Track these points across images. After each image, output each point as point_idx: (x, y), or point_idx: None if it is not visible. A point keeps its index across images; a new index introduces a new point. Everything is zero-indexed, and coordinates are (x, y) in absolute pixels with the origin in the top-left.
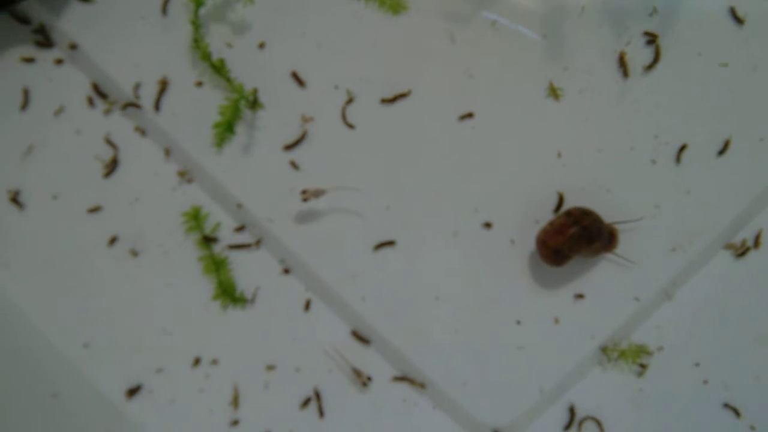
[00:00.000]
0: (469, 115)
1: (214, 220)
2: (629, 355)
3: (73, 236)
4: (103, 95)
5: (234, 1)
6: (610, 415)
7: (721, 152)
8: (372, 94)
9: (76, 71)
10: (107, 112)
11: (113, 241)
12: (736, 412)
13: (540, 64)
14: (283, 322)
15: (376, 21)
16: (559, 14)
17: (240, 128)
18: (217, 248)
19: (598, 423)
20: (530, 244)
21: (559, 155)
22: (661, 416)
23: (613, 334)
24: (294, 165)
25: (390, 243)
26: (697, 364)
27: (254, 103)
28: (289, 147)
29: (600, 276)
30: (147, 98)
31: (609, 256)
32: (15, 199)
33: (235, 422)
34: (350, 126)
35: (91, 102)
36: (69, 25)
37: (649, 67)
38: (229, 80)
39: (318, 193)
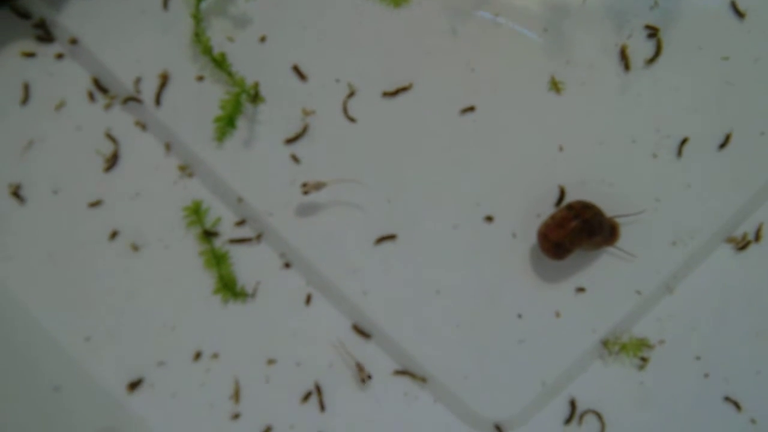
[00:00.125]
0: (471, 109)
1: (214, 214)
2: (630, 349)
3: (74, 230)
4: (103, 90)
5: None
6: (611, 409)
7: (723, 146)
8: (373, 88)
9: (76, 66)
10: (108, 106)
11: (114, 235)
12: (737, 406)
13: (541, 58)
14: (283, 316)
15: (377, 14)
16: (561, 8)
17: (241, 122)
18: (218, 242)
19: (599, 416)
20: (531, 238)
21: (561, 149)
22: (662, 410)
23: (614, 328)
24: (295, 159)
25: (391, 237)
26: (698, 358)
27: (255, 97)
28: (291, 141)
29: (601, 269)
30: (148, 93)
31: (610, 249)
32: (16, 194)
33: (236, 416)
34: (352, 119)
35: (91, 96)
36: (69, 19)
37: (651, 60)
38: (230, 74)
39: (318, 186)
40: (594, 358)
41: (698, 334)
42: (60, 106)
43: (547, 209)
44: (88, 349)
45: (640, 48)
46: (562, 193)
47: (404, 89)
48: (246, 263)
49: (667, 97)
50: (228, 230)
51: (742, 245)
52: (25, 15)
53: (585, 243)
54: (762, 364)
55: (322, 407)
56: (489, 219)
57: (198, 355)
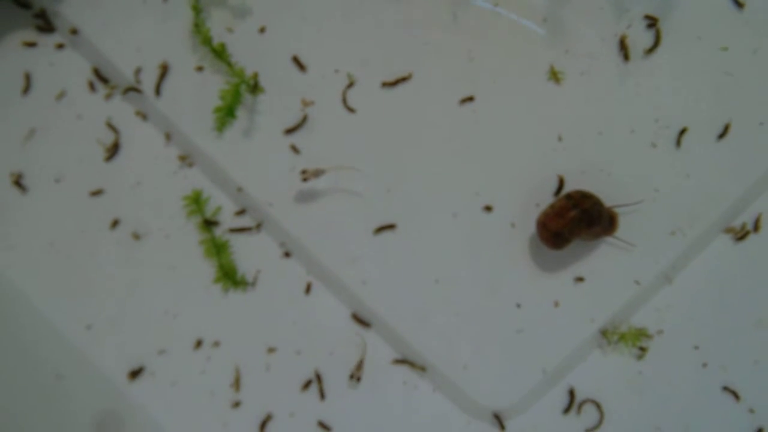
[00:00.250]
0: (470, 99)
1: (214, 203)
2: (629, 338)
3: (76, 219)
4: (104, 80)
5: None
6: (609, 398)
7: (722, 136)
8: (373, 78)
9: (77, 56)
10: (108, 96)
11: (115, 224)
12: (735, 395)
13: (541, 48)
14: (283, 305)
15: (376, 4)
16: None
17: (241, 112)
18: (218, 232)
19: (598, 406)
20: (530, 227)
21: (560, 138)
22: (661, 399)
23: (612, 317)
24: (294, 149)
25: (390, 226)
26: (697, 348)
27: (255, 88)
28: (290, 131)
29: (600, 259)
30: (148, 83)
31: (609, 239)
32: (18, 183)
33: (237, 404)
34: (351, 110)
35: (92, 86)
36: (70, 9)
37: (650, 50)
38: (229, 65)
39: (318, 173)
40: (593, 348)
41: (697, 324)
42: (61, 95)
43: (546, 199)
44: (89, 338)
45: (640, 38)
46: (561, 183)
47: (404, 79)
48: (246, 252)
49: (666, 87)
50: (228, 219)
51: (741, 235)
52: (25, 5)
53: (584, 233)
54: (760, 353)
55: (323, 395)
56: (488, 208)
57: (199, 344)
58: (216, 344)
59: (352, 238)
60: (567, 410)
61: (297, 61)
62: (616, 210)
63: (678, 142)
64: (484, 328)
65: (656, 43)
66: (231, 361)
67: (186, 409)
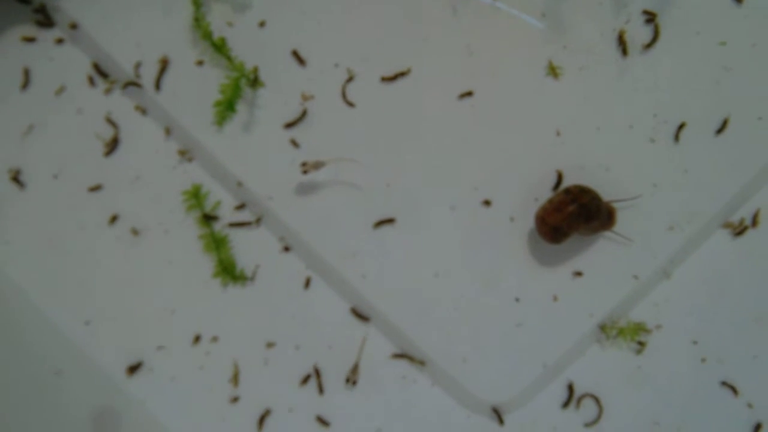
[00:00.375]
0: (469, 94)
1: (214, 198)
2: (627, 333)
3: (74, 215)
4: (103, 74)
5: None
6: (608, 393)
7: (720, 131)
8: (372, 73)
9: (76, 51)
10: (108, 91)
11: (114, 219)
12: (734, 390)
13: (539, 43)
14: (283, 299)
15: None
16: None
17: (240, 107)
18: (218, 226)
19: (597, 400)
20: (529, 222)
21: (558, 133)
22: (659, 394)
23: (611, 312)
24: (294, 143)
25: (390, 221)
26: (695, 342)
27: (255, 82)
28: (290, 125)
29: (598, 254)
30: (148, 77)
31: (607, 234)
32: (16, 178)
33: (235, 399)
34: (350, 104)
35: (91, 81)
36: (69, 4)
37: (648, 45)
38: (229, 59)
39: (318, 165)
40: (591, 342)
41: (695, 319)
42: (60, 90)
43: (544, 193)
44: (87, 333)
45: (638, 33)
46: (559, 178)
47: (403, 74)
48: (245, 247)
49: (665, 82)
50: (227, 214)
51: (739, 230)
52: (25, 0)
53: (582, 227)
54: (758, 348)
55: (321, 390)
56: (487, 203)
57: (197, 339)
58: (215, 339)
59: (351, 233)
60: (566, 404)
61: (297, 56)
62: (615, 205)
63: (676, 137)
64: (483, 323)
65: (655, 38)
66: (230, 356)
67: (184, 404)
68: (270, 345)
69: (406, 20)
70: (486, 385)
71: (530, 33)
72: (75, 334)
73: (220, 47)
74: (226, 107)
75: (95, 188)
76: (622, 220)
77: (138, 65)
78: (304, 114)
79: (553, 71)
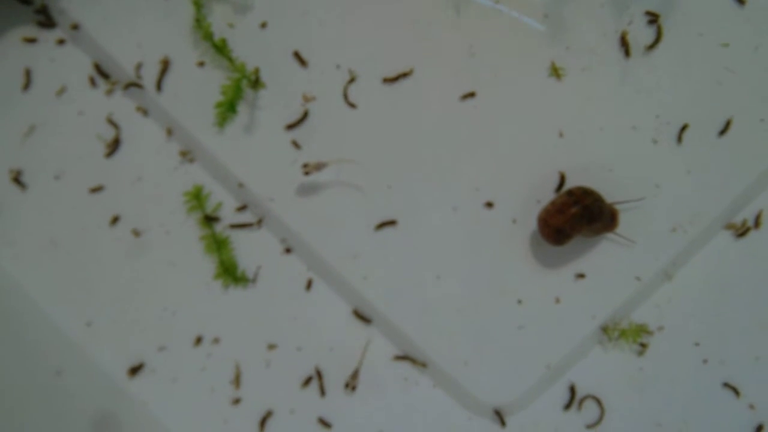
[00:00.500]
0: (471, 95)
1: (215, 199)
2: (630, 335)
3: (76, 216)
4: (105, 75)
5: None
6: (610, 394)
7: (722, 132)
8: (374, 74)
9: (78, 51)
10: (109, 92)
11: (115, 220)
12: (736, 392)
13: (542, 44)
14: (284, 301)
15: (378, 0)
16: None
17: (242, 108)
18: (219, 228)
19: (599, 402)
20: (532, 224)
21: (561, 135)
22: (661, 395)
23: (613, 314)
24: (296, 144)
25: (391, 222)
26: (697, 344)
27: (256, 83)
28: (291, 126)
29: (601, 256)
30: (149, 78)
31: (610, 235)
32: (17, 179)
33: (237, 401)
34: (352, 105)
35: (93, 82)
36: (71, 5)
37: (651, 47)
38: (230, 60)
39: (319, 167)
40: (593, 344)
41: (697, 321)
42: (61, 91)
43: (547, 195)
44: (89, 334)
45: (641, 34)
46: (562, 179)
47: (405, 75)
48: (247, 248)
49: (668, 83)
50: (229, 215)
51: (742, 232)
52: (26, 1)
53: (585, 229)
54: (761, 349)
55: (323, 392)
56: (489, 205)
57: (199, 340)
58: (216, 341)
59: (353, 234)
60: (568, 406)
61: (298, 57)
62: (617, 206)
63: (679, 139)
64: (485, 325)
65: (657, 39)
66: (231, 358)
67: (186, 405)
68: (271, 347)
69: (407, 21)
70: (488, 387)
71: (533, 34)
72: (76, 334)
73: (221, 48)
74: (228, 108)
75: (96, 189)
76: (624, 221)
77: (139, 66)
78: (305, 115)
79: (555, 72)
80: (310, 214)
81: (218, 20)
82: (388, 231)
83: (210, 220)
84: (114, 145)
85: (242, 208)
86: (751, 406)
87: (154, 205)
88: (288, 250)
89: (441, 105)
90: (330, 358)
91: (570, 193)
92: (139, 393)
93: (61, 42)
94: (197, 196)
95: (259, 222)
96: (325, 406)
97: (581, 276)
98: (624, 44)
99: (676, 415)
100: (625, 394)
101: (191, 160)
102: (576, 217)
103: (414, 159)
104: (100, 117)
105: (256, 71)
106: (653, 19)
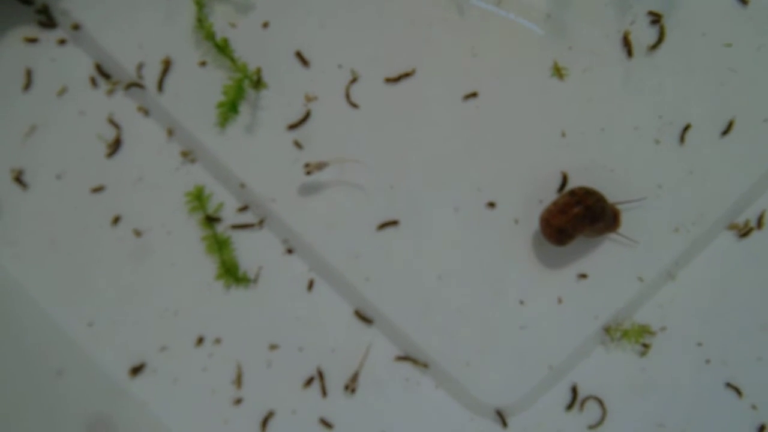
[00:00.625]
0: (474, 95)
1: (217, 200)
2: (632, 335)
3: (77, 216)
4: (106, 75)
5: None
6: (612, 395)
7: (725, 133)
8: (376, 74)
9: (79, 51)
10: (110, 92)
11: (117, 220)
12: (738, 392)
13: (544, 44)
14: (286, 301)
15: (380, 0)
16: None
17: (243, 108)
18: (220, 228)
19: (601, 402)
20: (534, 224)
21: (563, 135)
22: (664, 396)
23: (616, 314)
24: (297, 144)
25: (393, 223)
26: (700, 344)
27: (258, 83)
28: (293, 126)
29: (603, 256)
30: (150, 78)
31: (612, 235)
32: (18, 179)
33: (238, 401)
34: (354, 105)
35: (94, 82)
36: (72, 5)
37: (654, 47)
38: (232, 60)
39: (321, 166)
40: (596, 345)
41: (700, 321)
42: (62, 91)
43: (549, 195)
44: (90, 334)
45: (643, 34)
46: (564, 179)
47: (407, 75)
48: (248, 249)
49: (670, 83)
50: (230, 216)
51: (744, 232)
52: (27, 1)
53: (587, 229)
54: (763, 350)
55: (324, 392)
56: (491, 205)
57: (200, 341)
58: (217, 341)
59: (354, 235)
60: (570, 407)
61: (300, 57)
62: (620, 206)
63: (682, 139)
64: (487, 325)
65: (660, 39)
66: (232, 358)
67: (187, 405)
68: (273, 347)
69: (410, 21)
70: (489, 388)
71: (535, 34)
72: (77, 334)
73: (223, 48)
74: (229, 108)
75: (98, 189)
76: (627, 221)
77: (140, 66)
78: (307, 115)
79: (558, 72)
80: (311, 215)
81: (220, 20)
82: (389, 231)
83: (211, 220)
84: (115, 145)
85: (244, 209)
86: (754, 407)
87: (155, 206)
88: (289, 251)
89: (443, 105)
90: (331, 359)
91: (572, 193)
92: (140, 393)
93: (62, 42)
94: (199, 197)
95: (261, 222)
96: (327, 407)
97: (583, 276)
98: (626, 44)
99: (678, 416)
100: (628, 395)
101: (193, 161)
102: (578, 217)
103: (416, 159)
104: (101, 117)
105: (258, 71)
106: (656, 19)
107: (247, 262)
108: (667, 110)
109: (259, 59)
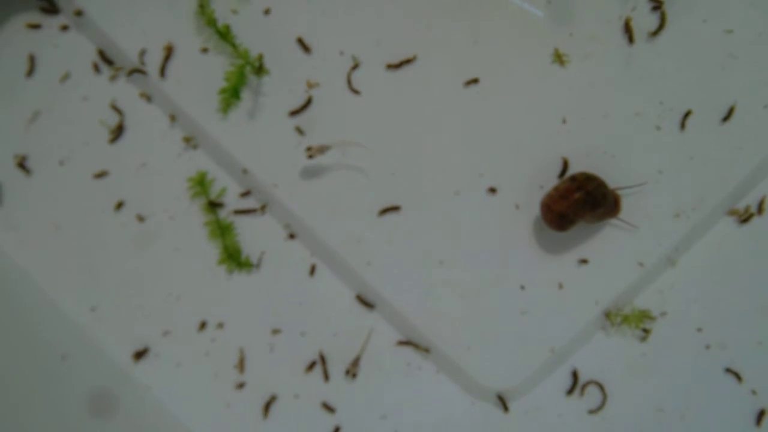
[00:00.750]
0: (475, 81)
1: (219, 185)
2: (632, 320)
3: (80, 201)
4: (108, 61)
5: None
6: (612, 380)
7: (726, 119)
8: (377, 60)
9: (81, 37)
10: (113, 78)
11: (120, 206)
12: (738, 377)
13: (545, 30)
14: (288, 286)
15: None
16: None
17: (245, 94)
18: (223, 213)
19: (601, 387)
20: (535, 209)
21: (564, 121)
22: (664, 381)
23: (616, 299)
24: (299, 130)
25: (395, 208)
26: (700, 330)
27: (259, 69)
28: (295, 113)
29: (604, 241)
30: (152, 64)
31: (613, 221)
32: (22, 165)
33: (241, 385)
34: (356, 92)
35: (96, 68)
36: None
37: (655, 33)
38: (234, 46)
39: (323, 149)
40: (596, 330)
41: (700, 306)
42: (65, 77)
43: (550, 181)
44: (93, 319)
45: (644, 20)
46: (565, 165)
47: (408, 61)
48: (250, 234)
49: (671, 69)
50: (233, 201)
51: (745, 218)
52: None
53: (588, 215)
54: (763, 335)
55: (327, 377)
56: (492, 190)
57: (203, 325)
58: (220, 326)
59: (356, 220)
60: (570, 391)
61: (302, 43)
62: (620, 192)
63: (682, 125)
64: (488, 310)
65: (661, 25)
66: (235, 343)
67: (190, 390)
68: (275, 331)
69: (411, 7)
70: (490, 372)
71: (536, 20)
72: (81, 319)
73: (224, 34)
74: (231, 94)
75: (101, 175)
76: (627, 207)
77: (143, 52)
78: (309, 101)
79: (558, 59)
80: (313, 200)
81: (222, 6)
82: (391, 216)
83: (214, 205)
84: (118, 131)
85: (246, 194)
86: (753, 392)
87: (158, 191)
88: (292, 236)
89: (444, 91)
90: (333, 343)
91: (573, 178)
92: (143, 377)
93: (64, 28)
94: (201, 182)
95: (263, 207)
96: (329, 391)
97: (584, 261)
98: (627, 30)
99: (678, 401)
100: (628, 380)
101: (195, 146)
102: (579, 202)
103: (417, 145)
104: (103, 103)
105: (260, 57)
106: (657, 5)
107: (249, 247)
108: (668, 96)
109: (260, 45)
